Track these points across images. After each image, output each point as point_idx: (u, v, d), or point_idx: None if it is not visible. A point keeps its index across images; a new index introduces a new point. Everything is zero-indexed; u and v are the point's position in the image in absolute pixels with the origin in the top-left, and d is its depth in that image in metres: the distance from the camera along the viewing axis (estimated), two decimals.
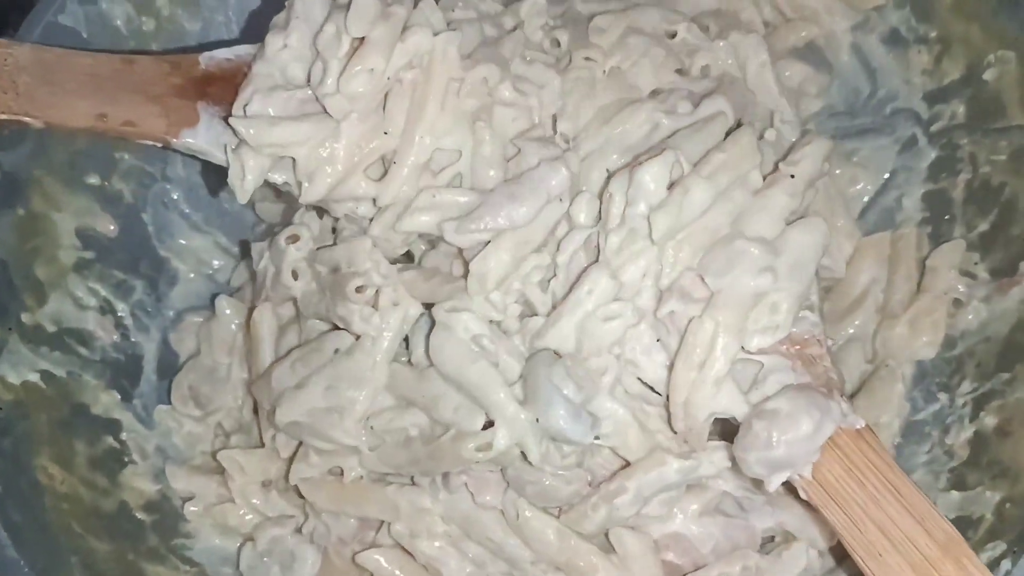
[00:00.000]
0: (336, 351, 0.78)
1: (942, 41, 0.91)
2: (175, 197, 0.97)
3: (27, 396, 0.80)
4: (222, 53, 0.81)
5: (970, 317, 0.84)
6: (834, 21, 0.98)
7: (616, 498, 0.73)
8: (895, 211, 0.93)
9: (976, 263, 0.86)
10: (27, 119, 0.73)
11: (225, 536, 0.85)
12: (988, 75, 0.87)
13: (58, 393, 0.83)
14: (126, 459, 0.86)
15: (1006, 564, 0.68)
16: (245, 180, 0.74)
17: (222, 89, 0.78)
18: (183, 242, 0.98)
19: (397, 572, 0.77)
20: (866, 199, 0.95)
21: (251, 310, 0.86)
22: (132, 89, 0.75)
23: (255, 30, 1.01)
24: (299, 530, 0.82)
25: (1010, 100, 0.86)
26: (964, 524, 0.74)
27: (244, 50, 0.81)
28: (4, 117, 0.72)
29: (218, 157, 0.77)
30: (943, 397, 0.84)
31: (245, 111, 0.73)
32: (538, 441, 0.71)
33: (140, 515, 0.83)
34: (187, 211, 0.98)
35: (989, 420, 0.78)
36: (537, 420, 0.70)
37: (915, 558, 0.61)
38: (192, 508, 0.85)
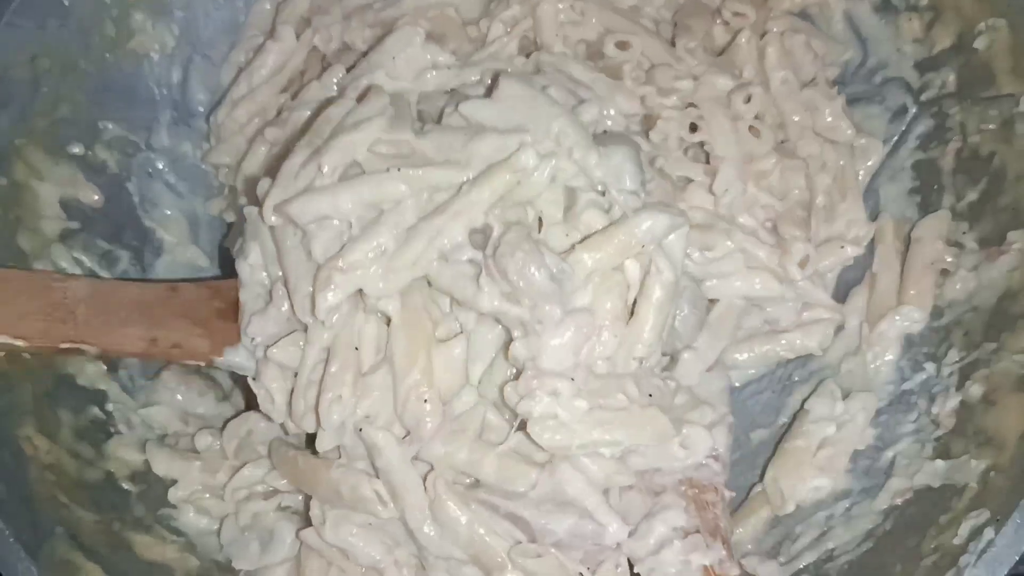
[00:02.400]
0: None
1: (933, 8, 0.90)
2: (160, 167, 0.97)
3: (11, 366, 0.79)
4: None
5: (958, 287, 0.84)
6: None
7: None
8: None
9: (964, 232, 0.86)
10: (85, 347, 0.77)
11: (211, 518, 0.84)
12: (979, 43, 0.86)
13: (42, 364, 0.82)
14: (112, 430, 0.85)
15: (989, 532, 0.68)
16: (275, 403, 0.76)
17: None
18: (168, 212, 0.97)
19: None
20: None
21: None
22: (178, 314, 0.80)
23: None
24: (282, 508, 0.82)
25: (1001, 68, 0.85)
26: (949, 492, 0.74)
27: None
28: (65, 346, 0.76)
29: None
30: (930, 367, 0.84)
31: (246, 333, 0.77)
32: (591, 146, 0.71)
33: (126, 485, 0.83)
34: (172, 181, 0.97)
35: (975, 389, 0.78)
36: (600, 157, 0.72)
37: None
38: (177, 493, 0.84)
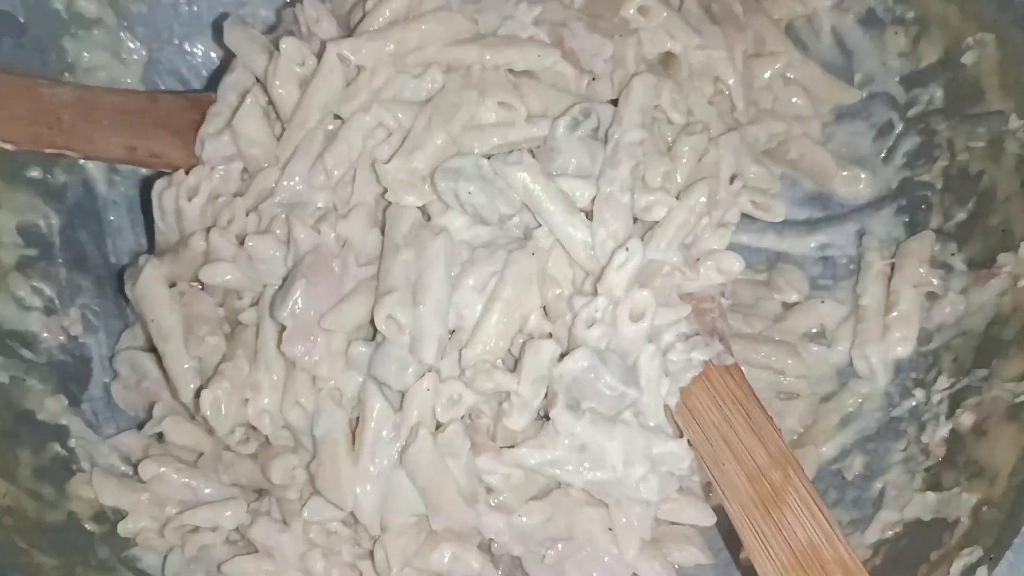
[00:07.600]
0: None
1: (920, 22, 0.88)
2: (123, 191, 0.93)
3: None
4: None
5: (947, 310, 0.82)
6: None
7: None
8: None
9: (953, 254, 0.84)
10: (69, 152, 0.80)
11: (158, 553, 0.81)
12: (966, 58, 0.84)
13: (0, 400, 0.79)
14: (74, 467, 0.82)
15: (982, 572, 0.66)
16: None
17: None
18: (132, 238, 0.93)
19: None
20: None
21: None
22: (157, 124, 0.84)
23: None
24: (231, 541, 0.80)
25: (989, 84, 0.83)
26: (940, 527, 0.72)
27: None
28: (50, 151, 0.79)
29: None
30: (919, 393, 0.82)
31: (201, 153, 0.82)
32: None
33: (89, 526, 0.79)
34: (135, 206, 0.93)
35: (966, 418, 0.76)
36: None
37: (750, 466, 0.73)
38: (127, 526, 0.80)
